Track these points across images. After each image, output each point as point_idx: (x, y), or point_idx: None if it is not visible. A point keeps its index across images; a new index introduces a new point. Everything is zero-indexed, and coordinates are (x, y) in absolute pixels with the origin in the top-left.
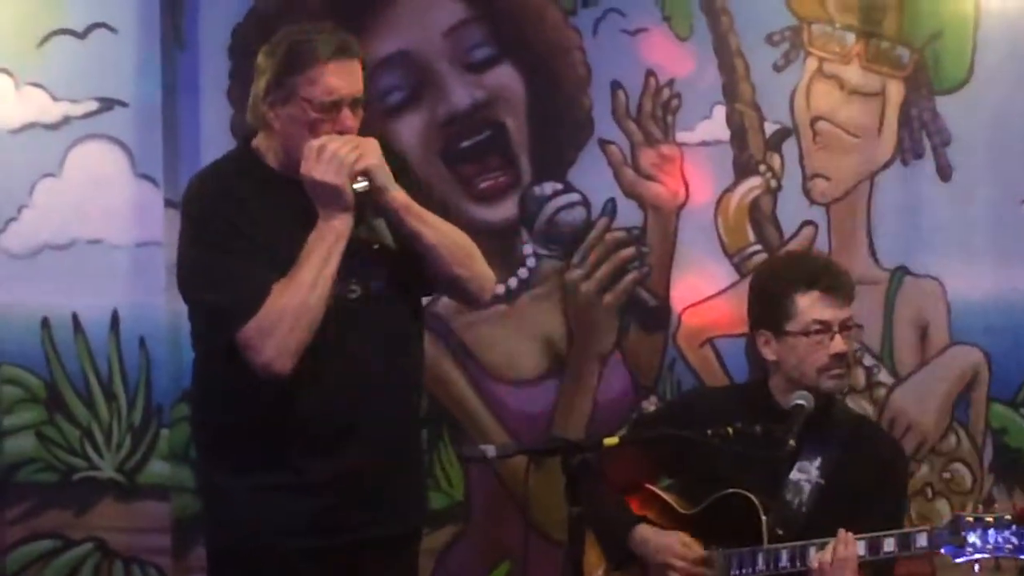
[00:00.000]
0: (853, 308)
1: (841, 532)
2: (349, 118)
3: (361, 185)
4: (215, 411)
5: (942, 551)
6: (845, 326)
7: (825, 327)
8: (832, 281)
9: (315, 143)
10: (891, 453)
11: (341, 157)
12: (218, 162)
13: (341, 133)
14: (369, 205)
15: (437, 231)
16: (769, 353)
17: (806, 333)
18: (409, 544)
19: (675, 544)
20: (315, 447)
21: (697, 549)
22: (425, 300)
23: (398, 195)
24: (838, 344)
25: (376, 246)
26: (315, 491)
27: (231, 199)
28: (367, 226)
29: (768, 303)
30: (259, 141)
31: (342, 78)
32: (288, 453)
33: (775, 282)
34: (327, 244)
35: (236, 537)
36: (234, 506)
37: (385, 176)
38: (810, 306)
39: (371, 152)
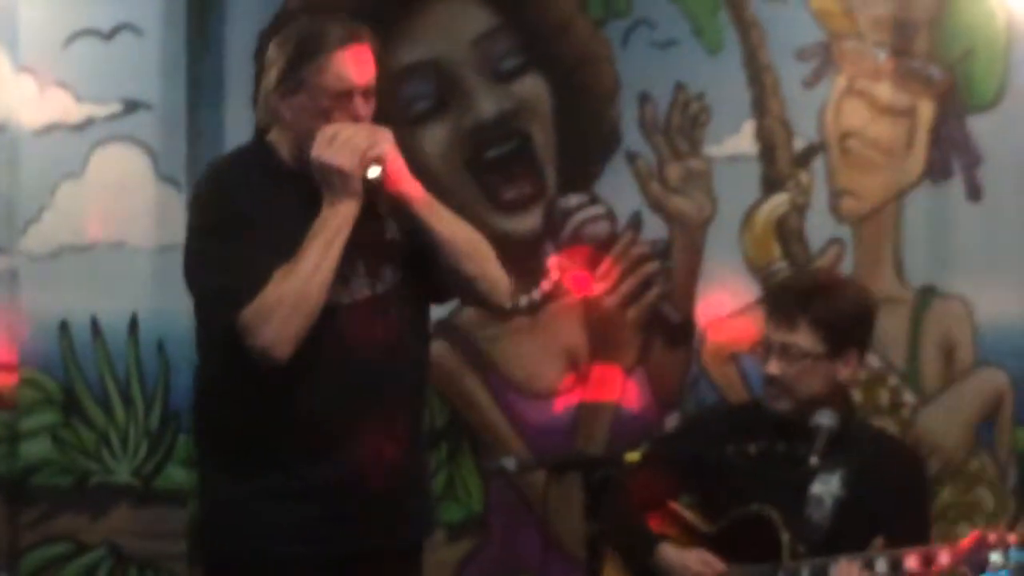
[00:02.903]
0: (878, 326)
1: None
2: (362, 106)
3: (374, 172)
4: (215, 413)
5: (964, 567)
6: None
7: (765, 346)
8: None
9: (329, 128)
10: (913, 466)
11: (354, 143)
12: (231, 154)
13: (354, 121)
14: (382, 196)
15: (451, 226)
16: None
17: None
18: (411, 558)
19: (696, 562)
20: (316, 451)
21: (718, 566)
22: (445, 309)
23: (412, 185)
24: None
25: (386, 243)
26: (315, 498)
27: (240, 188)
28: (377, 222)
29: None
30: (273, 136)
31: (353, 66)
32: (288, 457)
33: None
34: (331, 230)
35: (233, 544)
36: (232, 512)
37: (399, 165)
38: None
39: (385, 140)
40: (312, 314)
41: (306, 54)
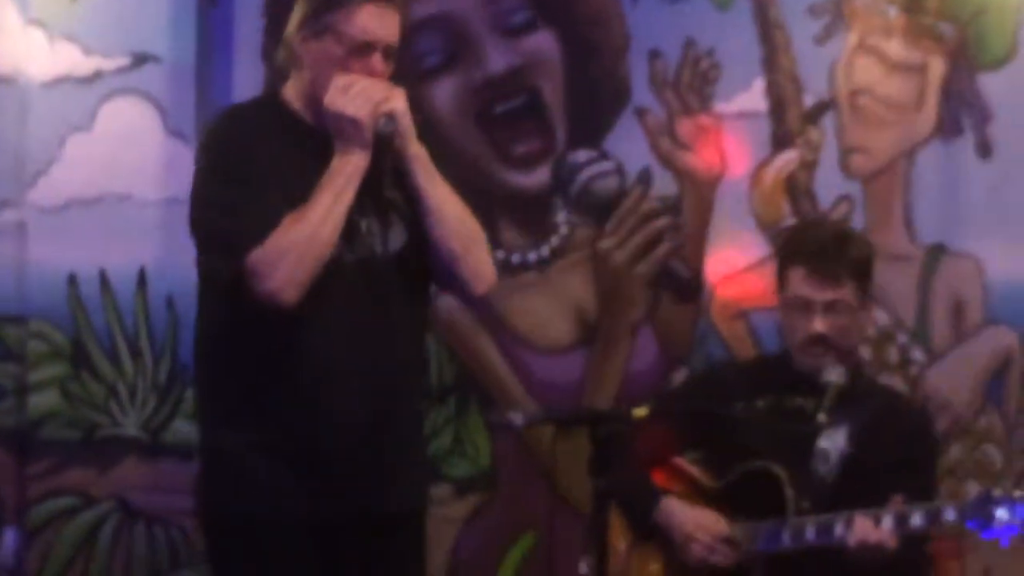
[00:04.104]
0: (887, 285)
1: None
2: (380, 63)
3: (386, 126)
4: (216, 363)
5: (969, 526)
6: (831, 307)
7: (806, 305)
8: (822, 262)
9: (344, 77)
10: (920, 423)
11: (369, 93)
12: (244, 103)
13: (370, 76)
14: (388, 154)
15: (445, 198)
16: (778, 312)
17: (789, 305)
18: (410, 518)
19: (700, 519)
20: (314, 409)
21: (723, 526)
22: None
23: (417, 147)
24: (817, 324)
25: (394, 205)
26: (309, 458)
27: (250, 135)
28: (389, 181)
29: (778, 265)
30: (287, 89)
31: (378, 20)
32: (286, 413)
33: (783, 246)
34: (342, 179)
35: (229, 501)
36: (230, 468)
37: (409, 124)
38: (797, 281)
39: (399, 97)
40: (320, 261)
41: (335, 1)
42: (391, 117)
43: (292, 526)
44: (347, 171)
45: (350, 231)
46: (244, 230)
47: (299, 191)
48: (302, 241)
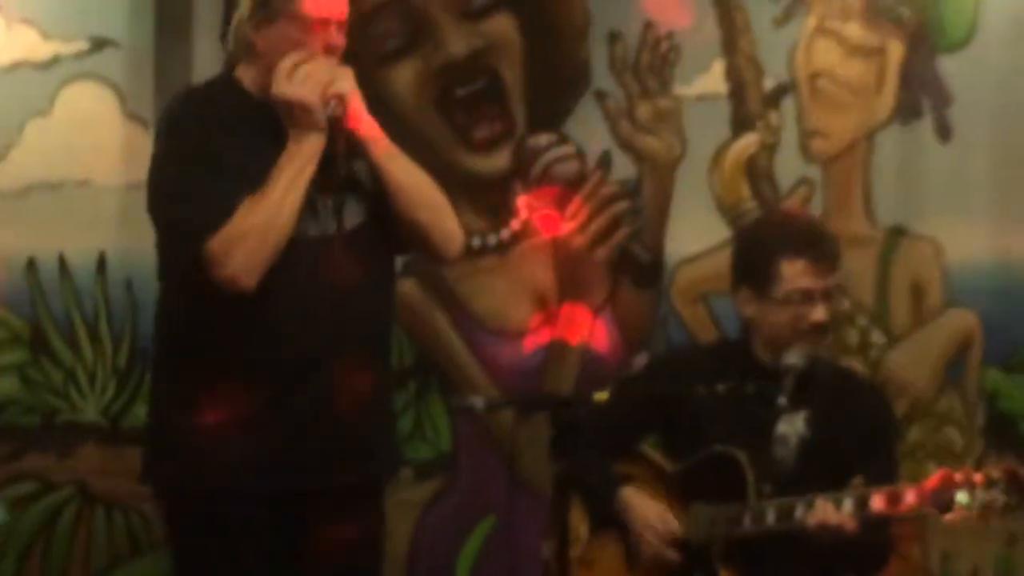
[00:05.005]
0: (847, 267)
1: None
2: (337, 36)
3: (336, 108)
4: (178, 343)
5: (930, 507)
6: (827, 294)
7: (808, 296)
8: (821, 250)
9: (287, 61)
10: (880, 406)
11: (315, 76)
12: (197, 86)
13: (327, 52)
14: (341, 136)
15: (406, 172)
16: (748, 311)
17: (788, 300)
18: (372, 494)
19: (653, 515)
20: (280, 383)
21: (673, 525)
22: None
23: (371, 127)
24: (819, 312)
25: (351, 182)
26: (275, 431)
27: (206, 119)
28: (343, 161)
29: (753, 262)
30: (240, 70)
31: None
32: (251, 388)
33: (762, 243)
34: (297, 164)
35: (184, 477)
36: (184, 444)
37: (359, 104)
38: (796, 274)
39: (346, 77)
40: (279, 245)
41: None
42: (340, 99)
43: (253, 501)
44: (302, 155)
45: (311, 208)
46: (203, 216)
47: (256, 174)
48: (260, 226)
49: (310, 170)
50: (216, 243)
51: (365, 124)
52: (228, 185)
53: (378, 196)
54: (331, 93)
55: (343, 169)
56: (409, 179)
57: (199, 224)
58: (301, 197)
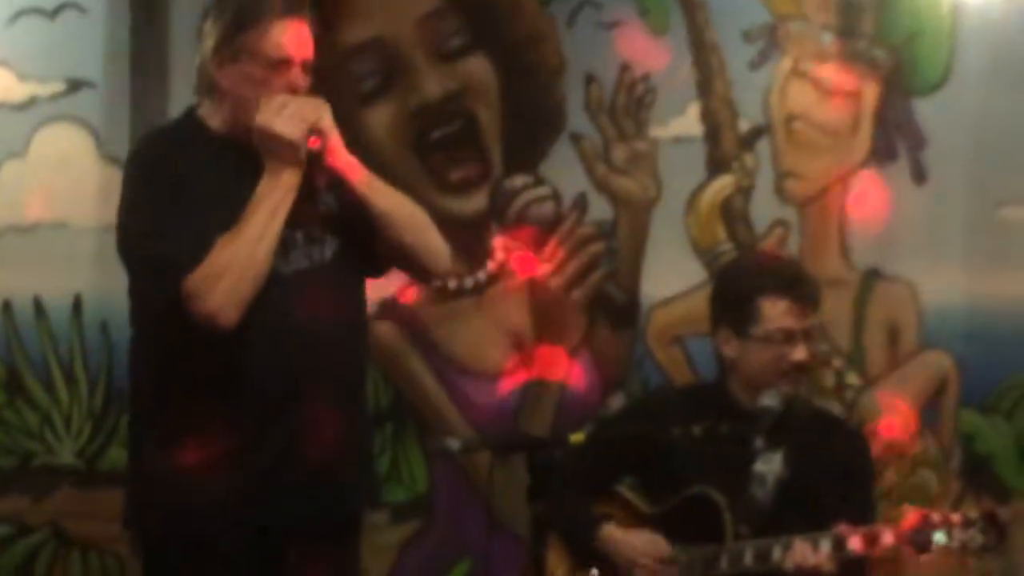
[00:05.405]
0: (823, 309)
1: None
2: (300, 77)
3: (315, 143)
4: (153, 386)
5: (908, 547)
6: (807, 334)
7: (789, 336)
8: (802, 291)
9: (277, 98)
10: (856, 447)
11: (302, 113)
12: (161, 126)
13: (290, 93)
14: (319, 170)
15: (388, 198)
16: (728, 351)
17: (769, 339)
18: (348, 533)
19: (641, 543)
20: (256, 422)
21: (663, 547)
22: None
23: (349, 159)
24: (800, 352)
25: (322, 215)
26: (252, 470)
27: (172, 157)
28: (314, 194)
29: (733, 303)
30: (203, 109)
31: (292, 35)
32: (227, 428)
33: (742, 283)
34: (276, 197)
35: (167, 521)
36: (164, 487)
37: (337, 137)
38: (777, 314)
39: (326, 112)
40: (258, 280)
41: (244, 22)
42: (320, 133)
43: (232, 541)
44: (280, 187)
45: (285, 244)
46: (178, 253)
47: (226, 210)
48: (239, 261)
49: (287, 205)
50: (195, 279)
51: (343, 157)
52: (201, 221)
53: (349, 227)
54: (315, 128)
55: (322, 204)
56: (392, 205)
57: (176, 261)
58: (278, 232)
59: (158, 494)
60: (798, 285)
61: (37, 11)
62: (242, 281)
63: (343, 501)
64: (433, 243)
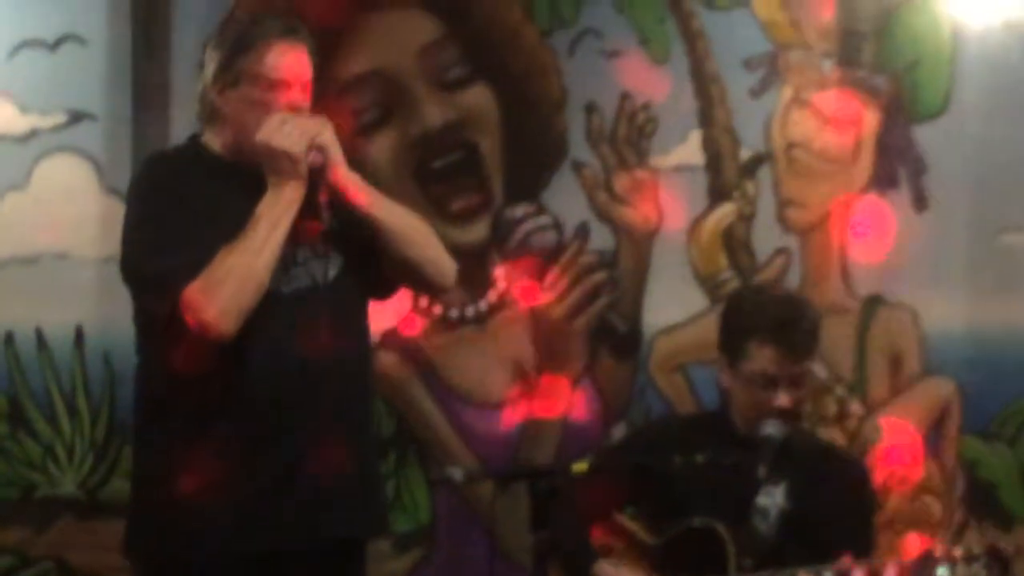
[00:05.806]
0: (825, 336)
1: None
2: (300, 97)
3: (316, 159)
4: (154, 413)
5: None
6: (795, 380)
7: (771, 381)
8: (793, 339)
9: (279, 115)
10: (858, 478)
11: (304, 128)
12: (164, 150)
13: (292, 111)
14: (320, 186)
15: (392, 213)
16: (724, 379)
17: (751, 381)
18: (351, 561)
19: None
20: (258, 443)
21: None
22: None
23: (348, 172)
24: (782, 399)
25: (326, 234)
26: (254, 494)
27: (176, 178)
28: (317, 212)
29: (729, 333)
30: (206, 136)
31: (290, 59)
32: (230, 450)
33: (739, 317)
34: (277, 211)
35: (169, 548)
36: (167, 515)
37: (338, 153)
38: (761, 358)
39: (328, 129)
40: (258, 292)
41: (243, 47)
42: (321, 149)
43: (234, 567)
44: (282, 201)
45: (285, 263)
46: (178, 266)
47: (228, 228)
48: (238, 270)
49: (289, 217)
50: (194, 289)
51: (344, 172)
52: (203, 237)
53: (352, 247)
54: (316, 144)
55: (325, 220)
56: (396, 219)
57: (175, 274)
58: (280, 244)
59: (160, 521)
60: (789, 332)
61: (38, 43)
62: (241, 291)
63: (345, 528)
64: (439, 257)
